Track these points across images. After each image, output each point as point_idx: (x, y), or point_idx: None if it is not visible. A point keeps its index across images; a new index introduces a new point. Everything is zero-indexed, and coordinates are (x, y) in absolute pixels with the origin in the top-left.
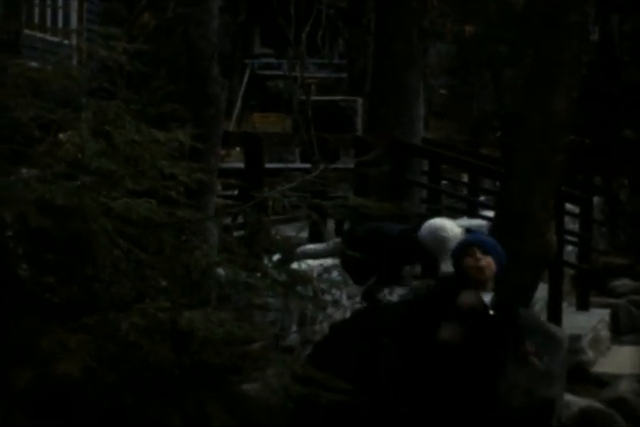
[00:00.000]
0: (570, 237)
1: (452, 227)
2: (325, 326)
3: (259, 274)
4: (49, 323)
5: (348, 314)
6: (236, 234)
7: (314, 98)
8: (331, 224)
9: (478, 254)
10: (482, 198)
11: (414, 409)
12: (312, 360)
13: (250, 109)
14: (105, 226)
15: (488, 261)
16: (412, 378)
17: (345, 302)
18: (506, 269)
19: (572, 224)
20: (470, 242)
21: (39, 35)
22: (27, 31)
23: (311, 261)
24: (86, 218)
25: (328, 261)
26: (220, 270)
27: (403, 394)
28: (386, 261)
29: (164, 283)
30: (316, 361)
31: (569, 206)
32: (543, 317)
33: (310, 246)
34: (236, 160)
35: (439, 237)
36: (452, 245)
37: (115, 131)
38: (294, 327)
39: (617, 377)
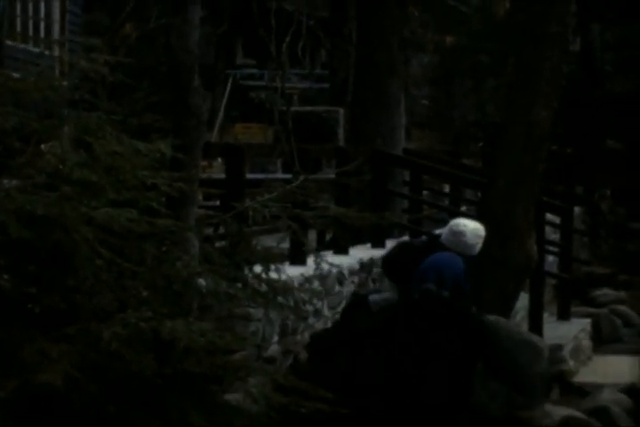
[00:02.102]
0: (551, 247)
1: (467, 222)
2: (307, 335)
3: (240, 284)
4: (31, 333)
5: (329, 324)
6: (217, 244)
7: (296, 108)
8: (312, 235)
9: None
10: (463, 208)
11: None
12: (293, 370)
13: (232, 120)
14: (86, 236)
15: None
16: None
17: (326, 312)
18: (488, 279)
19: (553, 234)
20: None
21: (21, 45)
22: (9, 42)
23: (290, 271)
24: (67, 228)
25: (310, 271)
26: (202, 281)
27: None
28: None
29: (145, 293)
30: (297, 371)
31: (550, 216)
32: (524, 326)
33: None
34: (218, 171)
35: (456, 232)
36: (470, 239)
37: (96, 142)
38: (275, 337)
39: (598, 387)
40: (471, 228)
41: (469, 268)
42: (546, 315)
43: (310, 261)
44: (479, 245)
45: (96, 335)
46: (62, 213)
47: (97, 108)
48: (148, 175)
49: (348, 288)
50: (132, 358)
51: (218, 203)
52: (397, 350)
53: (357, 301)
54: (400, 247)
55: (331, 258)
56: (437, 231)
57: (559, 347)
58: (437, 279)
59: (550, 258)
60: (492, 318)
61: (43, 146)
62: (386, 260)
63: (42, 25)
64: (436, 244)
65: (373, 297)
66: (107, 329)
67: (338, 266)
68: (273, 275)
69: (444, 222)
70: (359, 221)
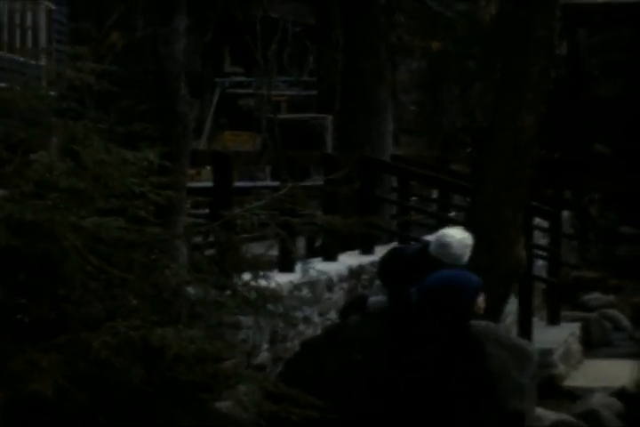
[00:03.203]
0: (540, 252)
1: (453, 233)
2: (297, 343)
3: (229, 292)
4: (20, 343)
5: (319, 331)
6: (206, 252)
7: (284, 116)
8: (301, 242)
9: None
10: (452, 214)
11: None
12: (283, 377)
13: (220, 128)
14: (75, 244)
15: None
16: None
17: (316, 318)
18: None
19: (542, 239)
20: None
21: (7, 55)
22: None
23: (280, 278)
24: (56, 236)
25: (299, 278)
26: (191, 289)
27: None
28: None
29: (134, 301)
30: (287, 378)
31: (539, 221)
32: (514, 331)
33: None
34: (206, 179)
35: (443, 244)
36: (458, 249)
37: (83, 150)
38: (265, 345)
39: (588, 391)
40: (458, 238)
41: None
42: (535, 319)
43: (299, 268)
44: (468, 255)
45: (86, 344)
46: (51, 221)
47: (84, 116)
48: (136, 183)
49: (338, 295)
50: (121, 366)
51: (206, 211)
52: (391, 357)
53: (356, 301)
54: (392, 253)
55: (320, 265)
56: (428, 237)
57: (549, 351)
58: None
59: (539, 262)
60: (481, 323)
61: (30, 155)
62: (380, 264)
63: (29, 34)
64: (426, 253)
65: (371, 299)
66: (96, 338)
67: (327, 273)
68: (262, 282)
69: (433, 228)
70: (346, 228)
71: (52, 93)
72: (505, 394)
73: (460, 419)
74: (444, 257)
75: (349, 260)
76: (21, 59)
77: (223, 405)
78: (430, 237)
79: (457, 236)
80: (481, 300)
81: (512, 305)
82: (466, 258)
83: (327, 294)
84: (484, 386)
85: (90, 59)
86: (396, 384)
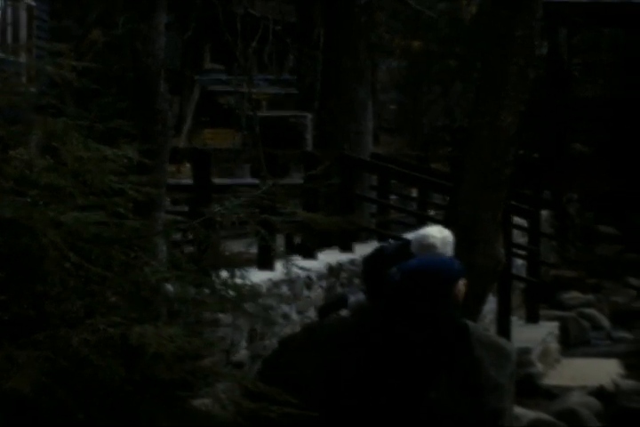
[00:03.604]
0: (519, 251)
1: (434, 233)
2: (275, 341)
3: (207, 290)
4: None
5: (297, 329)
6: (185, 250)
7: (264, 114)
8: (280, 240)
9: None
10: (431, 213)
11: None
12: (262, 375)
13: (200, 125)
14: (54, 240)
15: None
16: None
17: (295, 316)
18: None
19: (521, 238)
20: (463, 272)
21: None
22: None
23: (259, 276)
24: (36, 232)
25: (278, 276)
26: (170, 286)
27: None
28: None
29: (113, 299)
30: (266, 376)
31: (518, 220)
32: (492, 330)
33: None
34: (186, 176)
35: (426, 245)
36: (441, 248)
37: (63, 147)
38: (244, 343)
39: (567, 390)
40: (440, 237)
41: None
42: (514, 318)
43: (278, 266)
44: (450, 252)
45: (65, 341)
46: (30, 218)
47: (63, 113)
48: (116, 180)
49: (317, 293)
50: (100, 364)
51: (186, 208)
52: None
53: (336, 300)
54: (376, 253)
55: (299, 263)
56: (408, 236)
57: (527, 350)
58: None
59: (518, 261)
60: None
61: (10, 152)
62: (364, 264)
63: (9, 31)
64: (407, 252)
65: (352, 298)
66: (75, 335)
67: (306, 270)
68: (241, 280)
69: (413, 226)
70: (327, 225)
71: (32, 90)
72: (484, 393)
73: (434, 412)
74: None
75: (328, 258)
76: (1, 55)
77: (201, 402)
78: (410, 236)
79: (438, 235)
80: (461, 285)
81: (491, 304)
82: (449, 255)
83: (306, 292)
84: (468, 379)
85: (70, 56)
86: (375, 376)
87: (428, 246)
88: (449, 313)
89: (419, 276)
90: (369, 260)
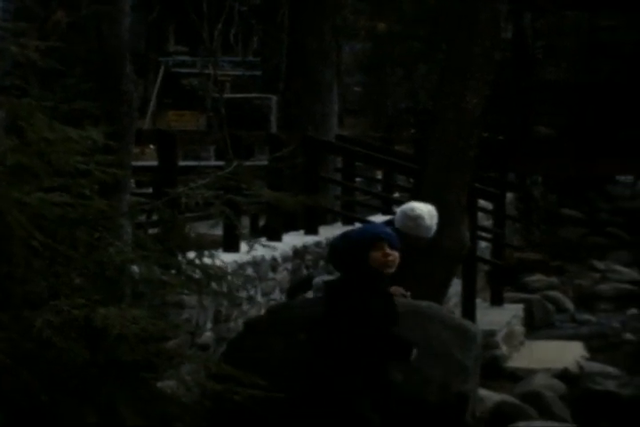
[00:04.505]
0: (484, 234)
1: (420, 206)
2: (240, 323)
3: (173, 271)
4: None
5: (262, 311)
6: (150, 231)
7: (228, 96)
8: (245, 221)
9: (387, 249)
10: (396, 195)
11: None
12: (227, 357)
13: (164, 107)
14: (20, 219)
15: (395, 256)
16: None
17: (260, 298)
18: (421, 265)
19: (485, 220)
20: (380, 236)
21: None
22: None
23: (224, 258)
24: (1, 212)
25: (243, 258)
26: (135, 267)
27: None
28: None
29: (78, 280)
30: (231, 358)
31: (482, 203)
32: (457, 312)
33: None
34: (150, 158)
35: (413, 217)
36: (428, 221)
37: (28, 128)
38: (209, 325)
39: (531, 372)
40: (426, 210)
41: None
42: (479, 301)
43: (244, 247)
44: (435, 226)
45: (28, 323)
46: None
47: (28, 94)
48: (81, 161)
49: (282, 275)
50: (64, 345)
51: (150, 190)
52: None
53: (302, 282)
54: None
55: (264, 245)
56: (373, 218)
57: (492, 333)
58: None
59: (483, 244)
60: (424, 303)
61: None
62: (330, 249)
63: None
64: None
65: (316, 279)
66: (39, 317)
67: (272, 251)
68: (206, 261)
69: (377, 209)
70: (292, 205)
71: None
72: (449, 375)
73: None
74: (414, 230)
75: (294, 240)
76: None
77: (166, 385)
78: (375, 219)
79: (424, 208)
80: (378, 254)
81: (456, 287)
82: (434, 230)
83: (271, 274)
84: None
85: (34, 36)
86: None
87: (415, 217)
88: (362, 285)
89: (336, 246)
90: (334, 247)
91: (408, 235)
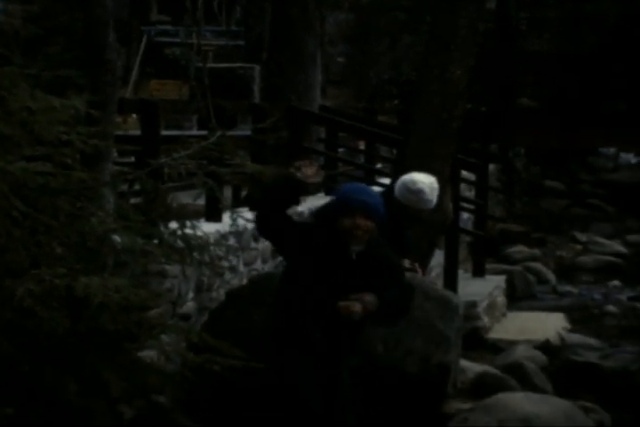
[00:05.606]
0: (466, 205)
1: (421, 178)
2: (222, 292)
3: (155, 241)
4: None
5: (244, 281)
6: (132, 201)
7: (211, 65)
8: (228, 191)
9: (358, 220)
10: (379, 166)
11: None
12: (208, 327)
13: (147, 77)
14: (1, 188)
15: (365, 230)
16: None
17: (242, 268)
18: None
19: (468, 191)
20: (354, 205)
21: None
22: None
23: (206, 228)
24: None
25: (225, 228)
26: (117, 237)
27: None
28: None
29: (59, 249)
30: (212, 328)
31: (465, 174)
32: (439, 283)
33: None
34: (132, 128)
35: (415, 190)
36: (430, 194)
37: (10, 97)
38: (191, 294)
39: (512, 343)
40: (428, 183)
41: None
42: (460, 272)
43: (226, 217)
44: (436, 198)
45: (9, 292)
46: None
47: (11, 62)
48: (64, 131)
49: (264, 245)
50: (45, 315)
51: (133, 159)
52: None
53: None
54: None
55: (246, 214)
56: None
57: (474, 304)
58: None
59: (465, 215)
60: (406, 275)
61: None
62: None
63: None
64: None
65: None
66: (20, 286)
67: (253, 222)
68: (189, 231)
69: (360, 179)
70: (275, 177)
71: None
72: (430, 346)
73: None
74: (415, 203)
75: None
76: None
77: (147, 354)
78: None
79: (426, 180)
80: (349, 221)
81: (438, 258)
82: (436, 200)
83: (253, 244)
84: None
85: (17, 3)
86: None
87: (417, 191)
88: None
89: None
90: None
91: (409, 206)
